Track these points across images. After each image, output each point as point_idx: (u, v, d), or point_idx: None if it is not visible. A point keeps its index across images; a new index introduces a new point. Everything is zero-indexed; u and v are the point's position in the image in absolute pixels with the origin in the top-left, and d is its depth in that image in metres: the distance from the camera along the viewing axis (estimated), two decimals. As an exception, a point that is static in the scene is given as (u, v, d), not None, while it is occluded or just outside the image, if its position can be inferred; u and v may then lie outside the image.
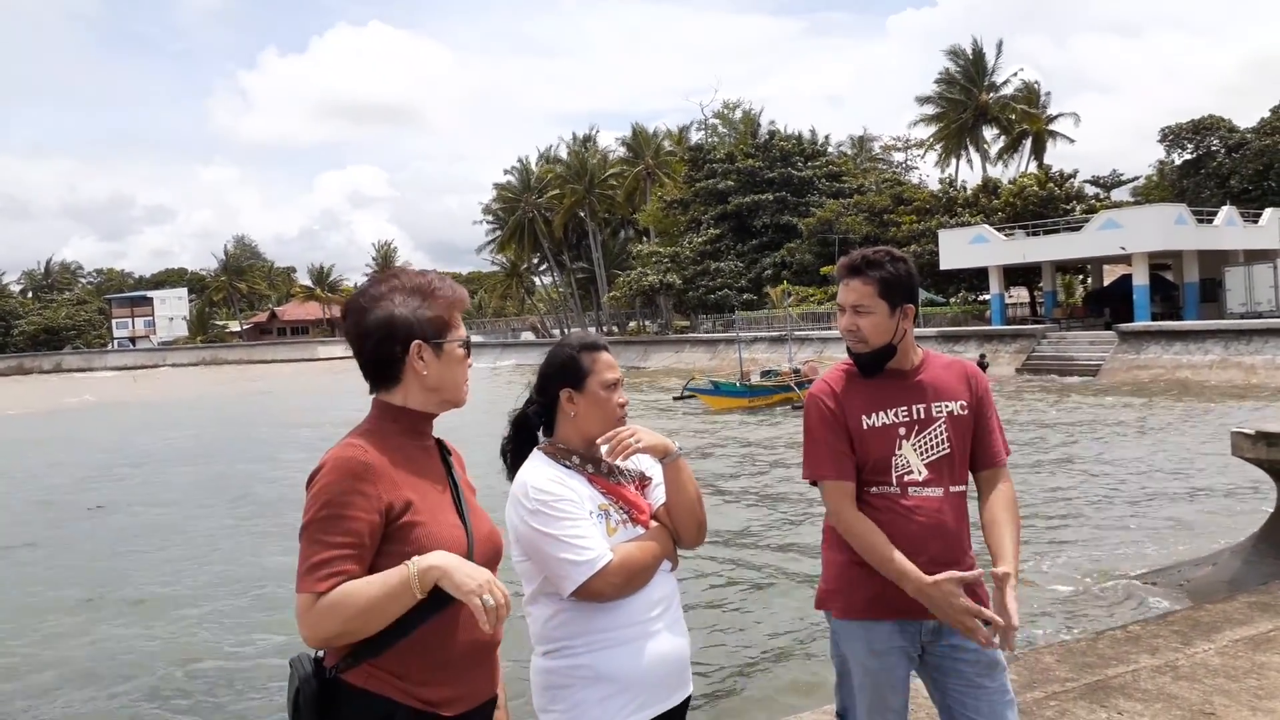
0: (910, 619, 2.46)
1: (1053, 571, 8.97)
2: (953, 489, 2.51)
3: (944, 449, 2.50)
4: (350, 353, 1.95)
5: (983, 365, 31.67)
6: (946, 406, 2.53)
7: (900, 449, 2.48)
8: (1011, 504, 2.55)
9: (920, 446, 2.49)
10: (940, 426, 2.51)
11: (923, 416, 2.51)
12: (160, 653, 8.21)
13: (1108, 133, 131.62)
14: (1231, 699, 3.78)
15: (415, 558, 1.75)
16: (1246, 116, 79.63)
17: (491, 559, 1.95)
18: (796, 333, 38.07)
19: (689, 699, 2.32)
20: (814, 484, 2.56)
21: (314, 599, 1.70)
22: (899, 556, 2.37)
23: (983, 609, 2.32)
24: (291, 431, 26.29)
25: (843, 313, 2.56)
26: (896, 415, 2.50)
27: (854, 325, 2.51)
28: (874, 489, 2.48)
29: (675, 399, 31.00)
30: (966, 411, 2.55)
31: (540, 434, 2.37)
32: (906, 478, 2.47)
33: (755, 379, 30.09)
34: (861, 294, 2.50)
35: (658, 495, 2.35)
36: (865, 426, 2.49)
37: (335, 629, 1.72)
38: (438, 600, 1.80)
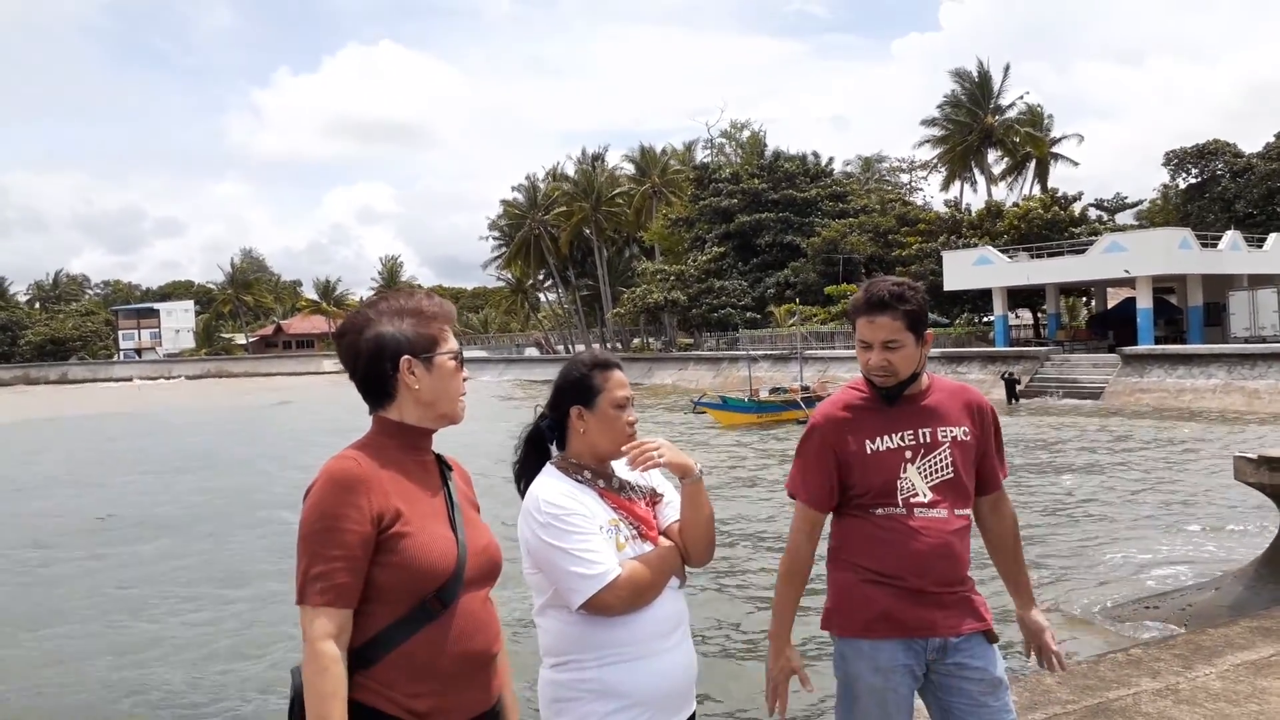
0: (916, 637, 2.47)
1: (1054, 595, 8.96)
2: (958, 512, 2.53)
3: (949, 473, 2.53)
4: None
5: (1013, 383, 31.60)
6: (951, 431, 2.55)
7: (905, 472, 2.51)
8: (1017, 533, 2.68)
9: (925, 470, 2.52)
10: (945, 451, 2.53)
11: (928, 440, 2.53)
12: (155, 659, 8.21)
13: (1110, 157, 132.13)
14: (1232, 723, 3.79)
15: None
16: (1250, 141, 79.98)
17: (487, 572, 1.97)
18: (803, 352, 38.08)
19: (693, 716, 2.34)
20: (793, 497, 2.62)
21: (312, 611, 1.76)
22: (788, 618, 2.57)
23: (780, 702, 2.53)
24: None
25: (868, 349, 2.53)
26: (902, 439, 2.52)
27: (885, 361, 2.50)
28: (880, 510, 2.51)
29: (692, 412, 31.22)
30: (970, 438, 2.57)
31: (553, 447, 2.40)
32: (913, 499, 2.50)
33: (764, 395, 30.21)
34: (892, 330, 2.49)
35: (668, 513, 2.38)
36: (870, 451, 2.51)
37: (306, 674, 1.76)
38: (426, 613, 1.83)
